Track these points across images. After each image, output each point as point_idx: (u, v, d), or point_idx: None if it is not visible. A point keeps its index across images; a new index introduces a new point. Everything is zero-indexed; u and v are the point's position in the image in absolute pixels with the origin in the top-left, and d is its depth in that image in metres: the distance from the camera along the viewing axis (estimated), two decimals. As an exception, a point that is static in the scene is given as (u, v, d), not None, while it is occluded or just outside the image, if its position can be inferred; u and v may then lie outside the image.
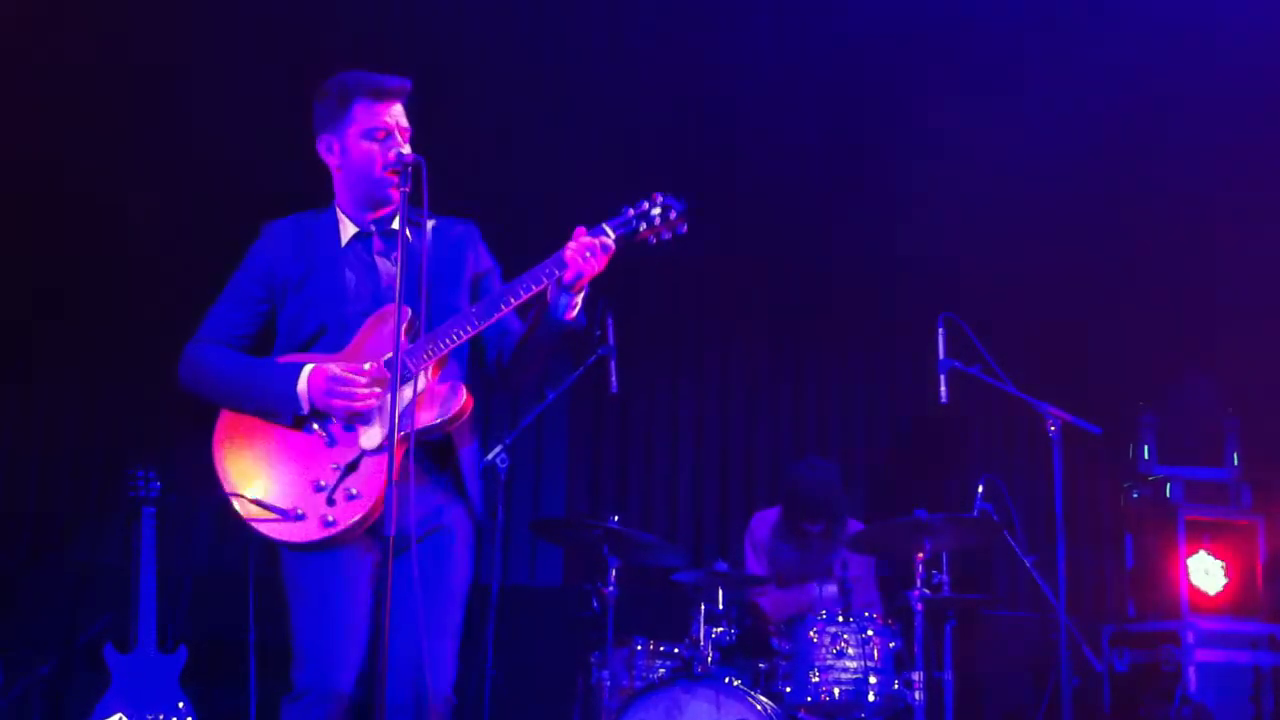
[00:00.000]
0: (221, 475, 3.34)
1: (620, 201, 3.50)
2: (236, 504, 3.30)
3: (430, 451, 3.38)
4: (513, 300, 3.34)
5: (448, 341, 3.33)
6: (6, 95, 6.30)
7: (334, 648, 3.25)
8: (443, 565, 3.40)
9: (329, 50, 6.59)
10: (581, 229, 3.35)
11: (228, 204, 6.23)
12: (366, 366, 3.33)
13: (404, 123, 3.47)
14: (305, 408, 3.32)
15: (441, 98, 6.45)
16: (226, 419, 3.41)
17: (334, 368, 3.32)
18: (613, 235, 3.39)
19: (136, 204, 6.41)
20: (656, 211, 3.45)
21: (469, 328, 3.34)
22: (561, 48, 7.36)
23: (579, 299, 3.37)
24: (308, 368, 3.33)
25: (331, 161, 3.50)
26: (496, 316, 3.35)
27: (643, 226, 3.44)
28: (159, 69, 6.54)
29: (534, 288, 3.34)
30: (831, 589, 5.87)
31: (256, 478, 3.32)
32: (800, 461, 6.30)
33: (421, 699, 3.26)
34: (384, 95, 3.44)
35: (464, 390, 3.36)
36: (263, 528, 3.28)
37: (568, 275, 3.30)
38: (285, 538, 3.28)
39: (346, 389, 3.29)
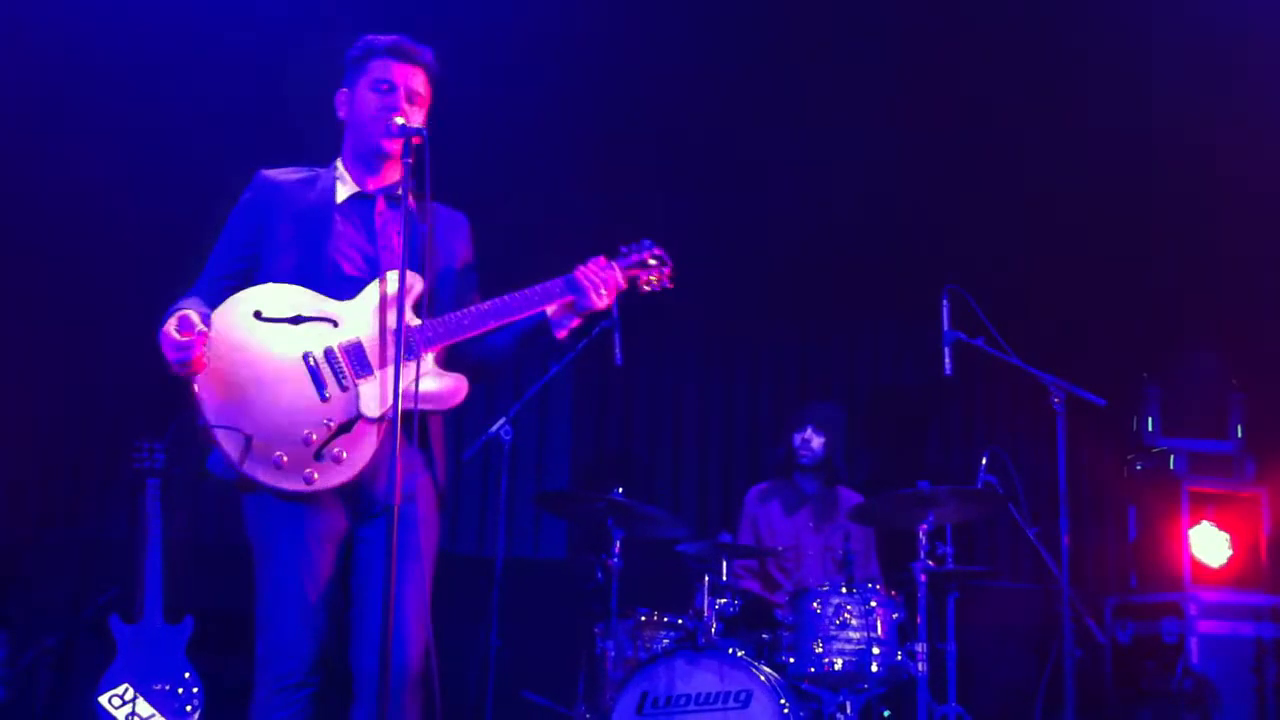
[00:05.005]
0: (200, 402, 3.19)
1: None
2: (219, 436, 3.16)
3: (408, 423, 3.33)
4: (526, 311, 3.41)
5: (456, 333, 3.36)
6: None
7: (303, 610, 3.22)
8: (412, 531, 3.33)
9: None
10: (603, 259, 3.48)
11: (230, 170, 6.22)
12: (199, 328, 3.13)
13: (418, 88, 3.47)
14: (162, 346, 3.16)
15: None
16: (213, 345, 3.23)
17: (184, 315, 3.14)
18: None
19: (138, 172, 6.42)
20: (653, 263, 3.64)
21: (480, 326, 3.37)
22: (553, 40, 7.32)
23: (578, 321, 3.49)
24: (181, 310, 3.19)
25: (341, 114, 3.53)
26: (508, 320, 3.40)
27: (640, 276, 3.61)
28: (152, 49, 6.52)
29: (543, 305, 3.43)
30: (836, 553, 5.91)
31: (244, 412, 3.20)
32: None
33: (395, 662, 3.19)
34: (402, 56, 3.47)
35: (464, 382, 3.38)
36: (243, 465, 3.18)
37: (581, 301, 3.43)
38: (262, 479, 3.18)
39: (180, 341, 3.12)
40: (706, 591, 5.27)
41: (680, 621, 5.38)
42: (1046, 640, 5.90)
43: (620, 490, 5.35)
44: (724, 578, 5.37)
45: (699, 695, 5.01)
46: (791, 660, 5.24)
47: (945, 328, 5.36)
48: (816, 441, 6.17)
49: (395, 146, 3.38)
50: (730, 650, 5.11)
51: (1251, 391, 7.10)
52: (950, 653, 5.45)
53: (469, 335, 3.38)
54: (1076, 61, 7.09)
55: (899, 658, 5.21)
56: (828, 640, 5.19)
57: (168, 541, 5.62)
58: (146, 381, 6.35)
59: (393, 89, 3.43)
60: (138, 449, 5.71)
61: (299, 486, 3.21)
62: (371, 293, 3.36)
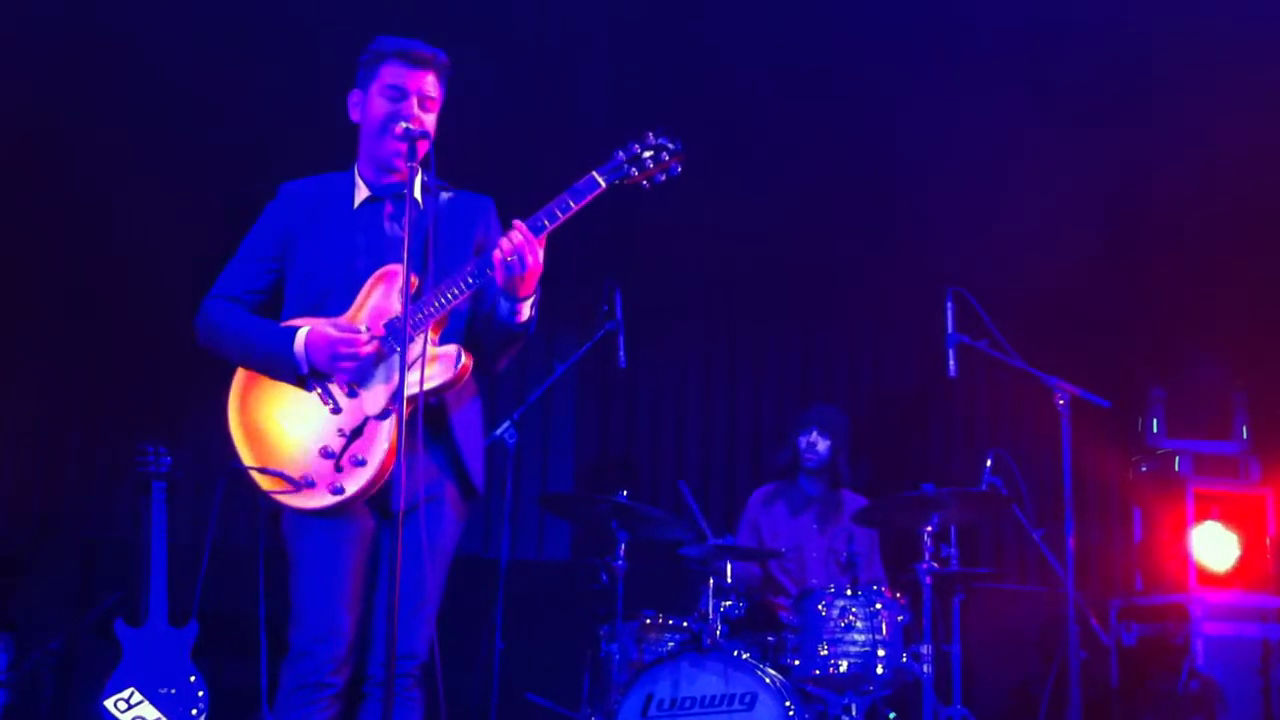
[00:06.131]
0: (239, 448, 3.38)
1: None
2: (255, 476, 3.34)
3: (425, 421, 3.31)
4: (472, 280, 3.30)
5: (439, 304, 3.32)
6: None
7: (329, 611, 3.27)
8: (431, 535, 3.37)
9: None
10: (517, 221, 3.27)
11: (238, 176, 6.22)
12: (363, 330, 3.32)
13: (430, 92, 3.45)
14: (304, 368, 3.33)
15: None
16: (237, 390, 3.43)
17: (332, 330, 3.31)
18: (604, 183, 3.31)
19: (144, 177, 6.42)
20: (648, 154, 3.34)
21: (458, 290, 3.32)
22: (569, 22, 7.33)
23: (525, 306, 3.33)
24: (304, 330, 3.34)
25: (354, 116, 3.53)
26: (469, 291, 3.33)
27: (634, 171, 3.33)
28: (157, 45, 6.53)
29: (476, 280, 3.30)
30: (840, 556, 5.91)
31: (270, 448, 3.35)
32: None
33: (401, 660, 3.25)
34: (414, 62, 3.45)
35: (463, 353, 3.34)
36: (279, 497, 3.32)
37: (500, 280, 3.27)
38: (299, 505, 3.31)
39: (349, 350, 3.29)
40: (711, 593, 5.27)
41: (685, 624, 5.38)
42: (1051, 642, 5.89)
43: (624, 492, 5.35)
44: (728, 580, 5.37)
45: (704, 698, 5.00)
46: (796, 662, 5.23)
47: (949, 329, 5.36)
48: (821, 444, 6.16)
49: (404, 149, 3.36)
50: (735, 652, 5.11)
51: (1256, 392, 7.09)
52: (955, 655, 5.44)
53: (453, 301, 3.31)
54: (1077, 64, 7.09)
55: (904, 660, 5.21)
56: (833, 642, 5.19)
57: (172, 545, 5.62)
58: (151, 383, 6.42)
59: (404, 96, 3.43)
60: (142, 452, 5.71)
61: (331, 500, 3.28)
62: (366, 293, 3.39)
